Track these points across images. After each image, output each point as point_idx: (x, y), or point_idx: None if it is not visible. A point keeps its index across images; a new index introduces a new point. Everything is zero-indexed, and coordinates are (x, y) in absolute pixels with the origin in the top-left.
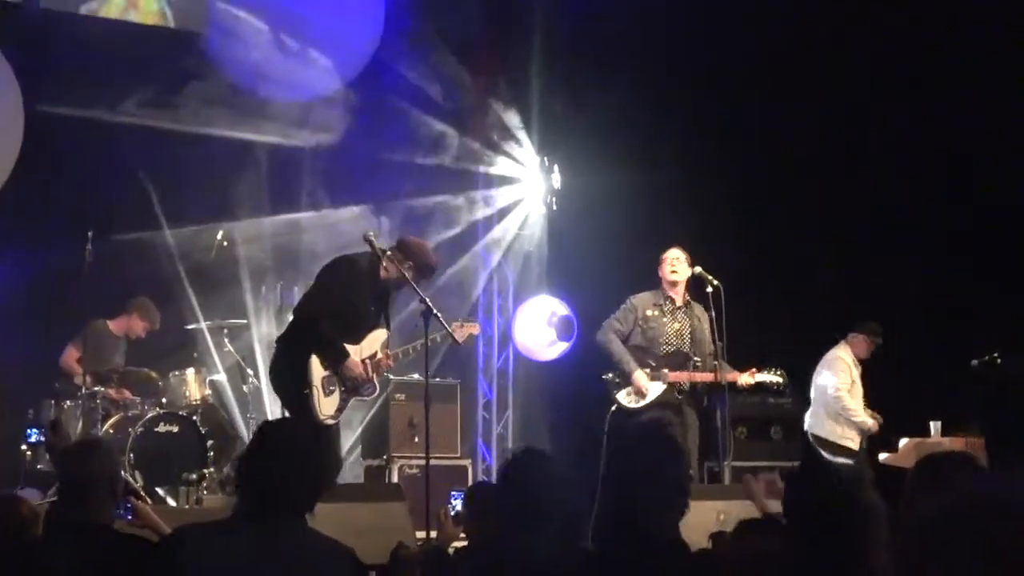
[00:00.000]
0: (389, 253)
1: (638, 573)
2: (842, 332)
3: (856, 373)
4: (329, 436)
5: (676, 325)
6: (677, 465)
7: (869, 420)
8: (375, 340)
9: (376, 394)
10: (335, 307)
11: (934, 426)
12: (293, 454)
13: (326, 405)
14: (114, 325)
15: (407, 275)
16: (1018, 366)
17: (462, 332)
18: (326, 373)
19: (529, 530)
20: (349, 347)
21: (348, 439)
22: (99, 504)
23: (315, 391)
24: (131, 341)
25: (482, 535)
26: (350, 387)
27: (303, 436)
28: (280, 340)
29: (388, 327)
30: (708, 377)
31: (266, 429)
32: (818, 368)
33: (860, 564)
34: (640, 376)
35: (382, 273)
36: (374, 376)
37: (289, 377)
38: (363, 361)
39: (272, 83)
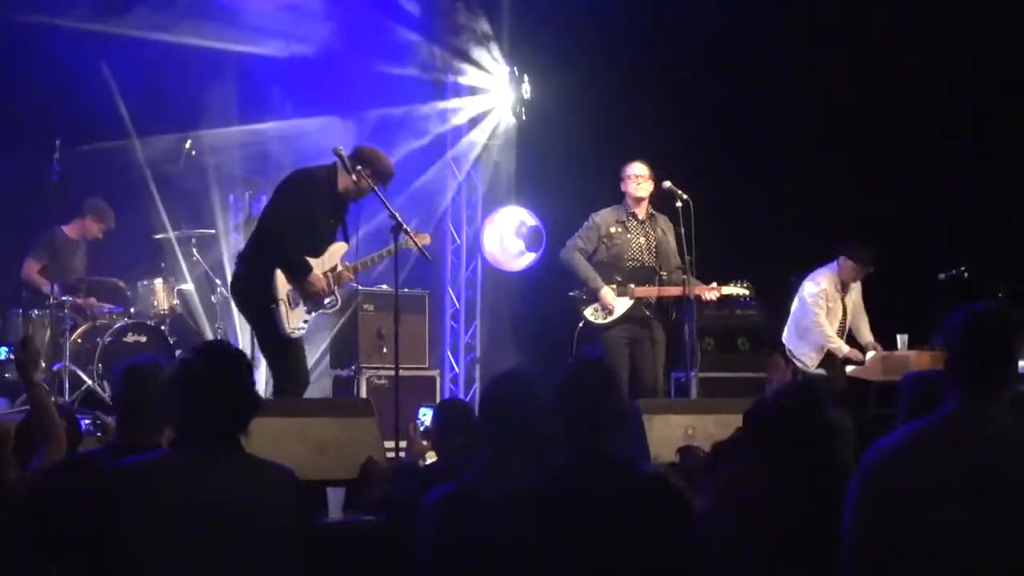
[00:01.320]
0: (358, 167)
1: (598, 494)
2: (818, 248)
3: (836, 298)
4: (297, 349)
5: (641, 240)
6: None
7: (845, 348)
8: (335, 253)
9: (338, 306)
10: (295, 221)
11: (901, 339)
12: (217, 380)
13: (293, 318)
14: (69, 230)
15: (370, 184)
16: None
17: (419, 240)
18: (290, 287)
19: (505, 452)
20: (311, 261)
21: (317, 350)
22: (155, 425)
23: (281, 304)
24: (94, 248)
25: (450, 452)
26: (314, 300)
27: (224, 360)
28: (241, 257)
29: (347, 239)
30: (675, 291)
31: (187, 357)
32: (801, 284)
33: (821, 478)
34: (607, 292)
35: (340, 185)
36: (336, 288)
37: (254, 293)
38: (325, 274)
39: None
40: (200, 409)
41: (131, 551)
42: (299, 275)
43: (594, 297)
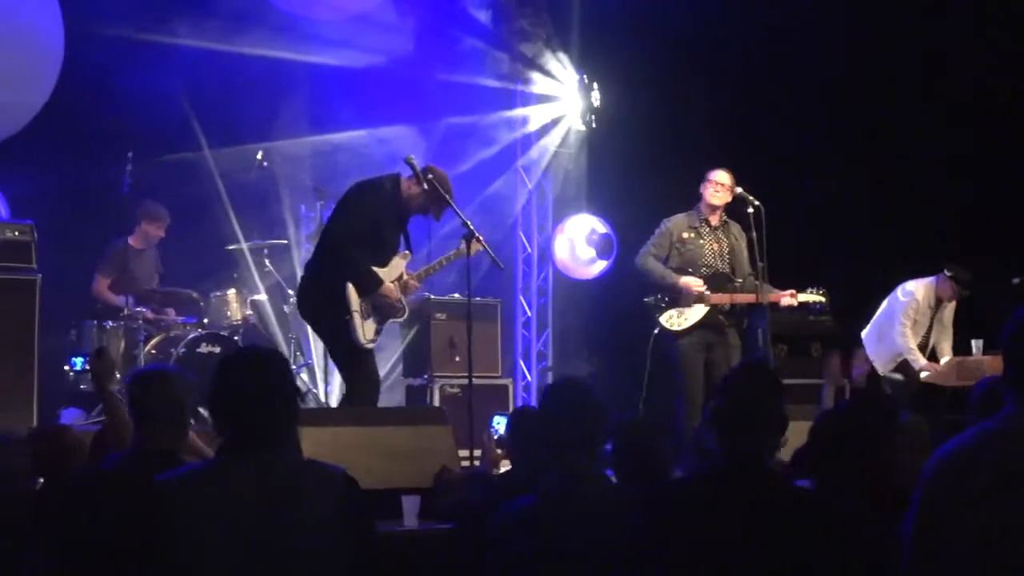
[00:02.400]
0: (429, 176)
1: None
2: (889, 257)
3: (926, 313)
4: (369, 356)
5: (715, 246)
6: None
7: (923, 361)
8: (399, 263)
9: (407, 315)
10: (363, 233)
11: (976, 344)
12: (256, 384)
13: (367, 330)
14: (134, 240)
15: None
16: None
17: (467, 251)
18: (362, 299)
19: (566, 457)
20: (379, 271)
21: (389, 359)
22: (167, 431)
23: (356, 316)
24: (167, 257)
25: (523, 460)
26: (385, 312)
27: (262, 363)
28: (309, 270)
29: (410, 249)
30: (750, 298)
31: (227, 363)
32: (896, 288)
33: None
34: (690, 280)
35: (404, 195)
36: (403, 298)
37: (325, 304)
38: (393, 283)
39: (314, 2)
40: (243, 413)
41: (184, 561)
42: (371, 288)
43: (675, 293)
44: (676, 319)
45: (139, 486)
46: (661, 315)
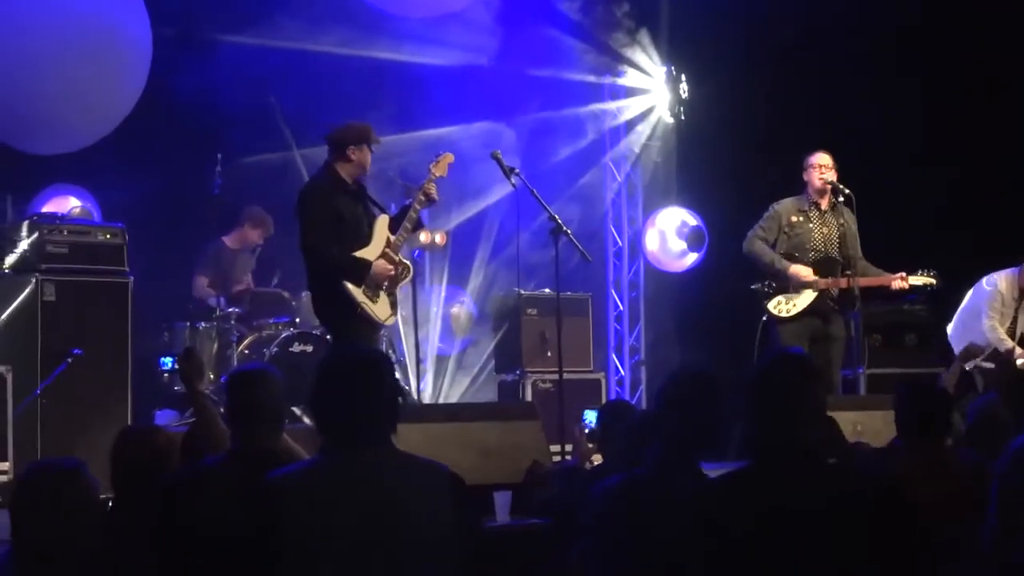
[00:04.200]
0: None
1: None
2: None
3: (1011, 305)
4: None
5: (825, 230)
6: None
7: (1008, 343)
8: (381, 228)
9: (412, 274)
10: (328, 228)
11: None
12: (360, 382)
13: (380, 310)
14: (230, 240)
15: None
16: None
17: (439, 166)
18: (362, 288)
19: (683, 449)
20: (365, 252)
21: (482, 355)
22: (266, 431)
23: (363, 306)
24: (261, 258)
25: (615, 453)
26: (389, 284)
27: (365, 361)
28: (309, 287)
29: (383, 210)
30: (859, 282)
31: (333, 364)
32: (980, 281)
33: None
34: (799, 268)
35: (344, 174)
36: (398, 259)
37: (335, 311)
38: (384, 253)
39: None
40: (347, 412)
41: (294, 559)
42: (362, 274)
43: (783, 283)
44: (784, 305)
45: (245, 485)
46: (769, 302)
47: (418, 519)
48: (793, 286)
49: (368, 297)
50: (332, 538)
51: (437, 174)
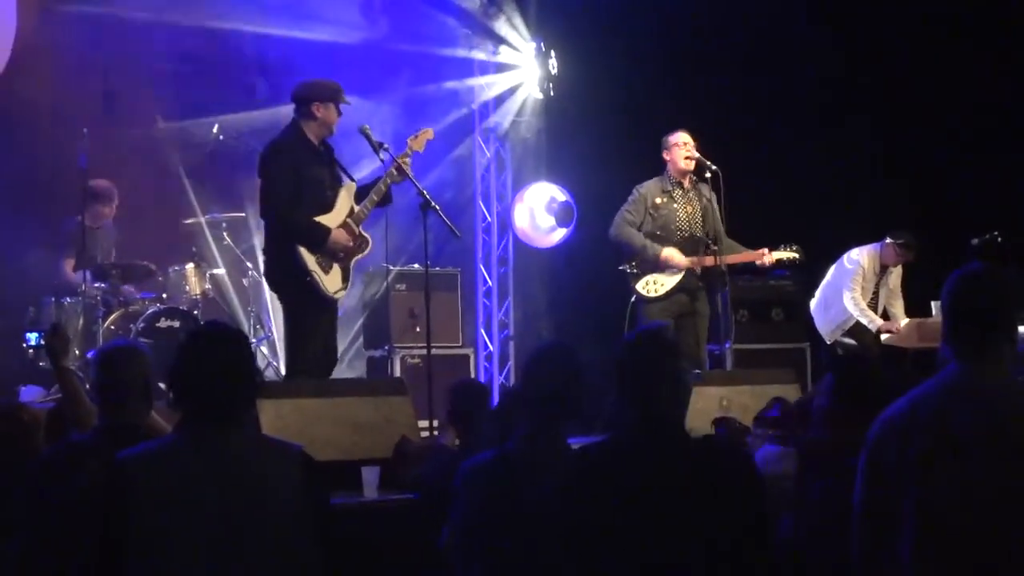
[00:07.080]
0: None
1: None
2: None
3: (872, 280)
4: (328, 328)
5: (689, 209)
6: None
7: (879, 321)
8: (346, 197)
9: (371, 247)
10: (290, 189)
11: (935, 305)
12: (217, 360)
13: (331, 282)
14: (88, 219)
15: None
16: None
17: (418, 141)
18: (317, 256)
19: (548, 422)
20: (326, 219)
21: (350, 331)
22: (134, 408)
23: (315, 275)
24: (124, 234)
25: (472, 433)
26: (346, 255)
27: (223, 339)
28: (265, 249)
29: (351, 177)
30: (725, 260)
31: (189, 340)
32: (841, 258)
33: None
34: (672, 253)
35: (309, 134)
36: (360, 231)
37: (284, 275)
38: (344, 222)
39: None
40: (203, 390)
41: (146, 537)
42: (319, 241)
43: (655, 264)
44: (652, 286)
45: (109, 460)
46: (637, 282)
47: (271, 497)
48: (663, 268)
49: (321, 266)
50: (181, 516)
51: (414, 148)
